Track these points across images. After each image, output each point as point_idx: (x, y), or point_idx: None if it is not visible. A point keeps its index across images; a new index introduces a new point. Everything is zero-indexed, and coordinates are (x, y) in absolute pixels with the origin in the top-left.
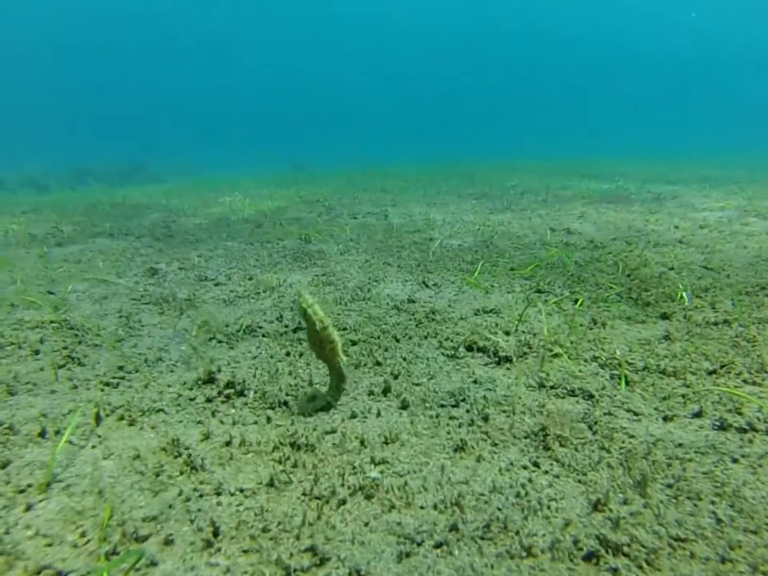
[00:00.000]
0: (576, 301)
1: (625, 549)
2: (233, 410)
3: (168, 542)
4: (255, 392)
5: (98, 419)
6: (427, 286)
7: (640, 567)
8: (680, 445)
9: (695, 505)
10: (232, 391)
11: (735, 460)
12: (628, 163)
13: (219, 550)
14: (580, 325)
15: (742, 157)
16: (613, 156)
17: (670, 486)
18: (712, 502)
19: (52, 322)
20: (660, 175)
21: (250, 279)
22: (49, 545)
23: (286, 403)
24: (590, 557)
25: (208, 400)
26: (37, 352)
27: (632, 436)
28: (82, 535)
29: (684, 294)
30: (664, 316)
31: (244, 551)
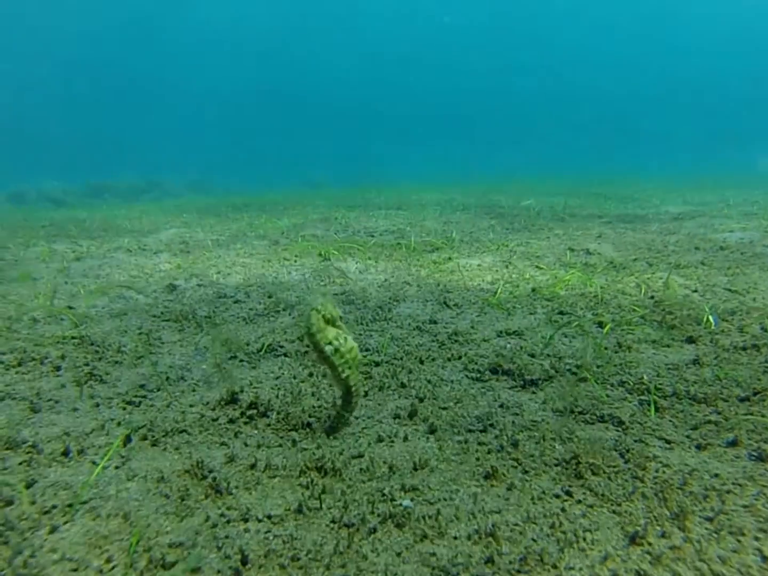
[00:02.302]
0: (600, 324)
1: None
2: (256, 431)
3: (195, 570)
4: (278, 413)
5: (128, 441)
6: (448, 306)
7: None
8: (716, 475)
9: (738, 540)
10: (254, 411)
11: None
12: (645, 183)
13: None
14: (605, 348)
15: (759, 178)
16: (629, 176)
17: (709, 519)
18: (756, 539)
19: (73, 337)
20: (678, 194)
21: (270, 297)
22: (75, 570)
23: (309, 425)
24: None
25: (231, 421)
26: (58, 368)
27: (666, 465)
28: (108, 560)
29: (710, 317)
30: (690, 340)
31: None
